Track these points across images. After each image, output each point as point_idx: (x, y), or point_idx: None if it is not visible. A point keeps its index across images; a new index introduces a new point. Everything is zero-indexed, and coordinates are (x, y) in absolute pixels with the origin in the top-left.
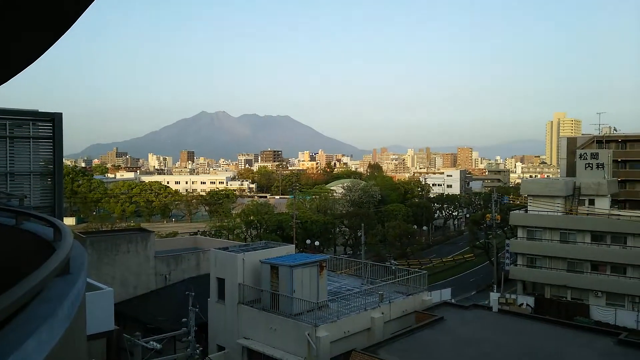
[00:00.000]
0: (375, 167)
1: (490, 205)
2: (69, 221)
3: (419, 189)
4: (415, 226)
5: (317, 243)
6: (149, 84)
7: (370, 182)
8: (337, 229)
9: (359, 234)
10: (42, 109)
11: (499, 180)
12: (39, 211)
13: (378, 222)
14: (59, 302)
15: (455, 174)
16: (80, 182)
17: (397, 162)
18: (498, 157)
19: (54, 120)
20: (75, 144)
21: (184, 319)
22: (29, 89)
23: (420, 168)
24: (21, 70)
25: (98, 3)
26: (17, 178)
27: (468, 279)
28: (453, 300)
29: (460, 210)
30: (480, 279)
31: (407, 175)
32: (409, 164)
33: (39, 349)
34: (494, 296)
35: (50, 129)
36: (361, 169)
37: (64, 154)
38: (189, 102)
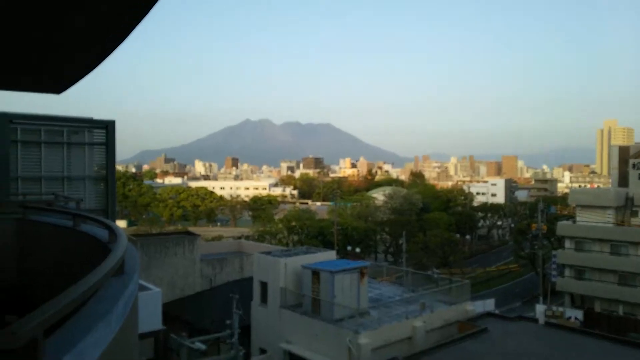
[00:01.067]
0: (417, 175)
1: (536, 215)
2: (120, 224)
3: (462, 198)
4: (458, 235)
5: (357, 250)
6: (196, 92)
7: (411, 190)
8: (378, 236)
9: (400, 241)
10: (95, 116)
11: (545, 189)
12: (94, 214)
13: (419, 230)
14: (114, 301)
15: (500, 182)
16: (131, 186)
17: (439, 170)
18: (545, 166)
19: (107, 127)
20: (126, 150)
21: (228, 321)
22: (80, 96)
23: (464, 176)
24: (78, 81)
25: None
26: (74, 182)
27: (512, 289)
28: (497, 311)
29: (504, 220)
30: (525, 290)
31: (449, 183)
32: (451, 172)
33: (96, 345)
34: (540, 308)
35: (103, 136)
36: (403, 177)
37: (116, 159)
38: (234, 110)
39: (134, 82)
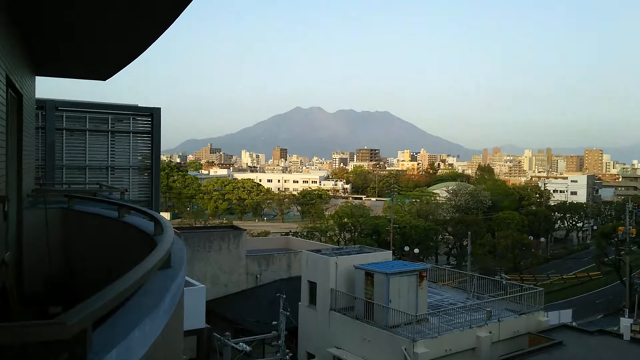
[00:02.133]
0: (485, 170)
1: (623, 216)
2: (164, 216)
3: (537, 195)
4: (531, 237)
5: (416, 251)
6: (243, 79)
7: (479, 186)
8: (440, 237)
9: (465, 242)
10: (140, 103)
11: (635, 188)
12: (138, 205)
13: (487, 231)
14: (161, 295)
15: (582, 179)
16: (175, 177)
17: (511, 165)
18: (635, 162)
19: (153, 115)
20: (171, 139)
21: (274, 322)
22: (126, 83)
23: (539, 172)
24: (123, 67)
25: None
26: (117, 172)
27: (593, 300)
28: (574, 324)
29: (586, 221)
30: (608, 301)
31: (522, 179)
32: (525, 167)
33: (143, 340)
34: (625, 322)
35: (149, 124)
36: (469, 171)
37: (161, 149)
38: (283, 98)
39: (181, 69)
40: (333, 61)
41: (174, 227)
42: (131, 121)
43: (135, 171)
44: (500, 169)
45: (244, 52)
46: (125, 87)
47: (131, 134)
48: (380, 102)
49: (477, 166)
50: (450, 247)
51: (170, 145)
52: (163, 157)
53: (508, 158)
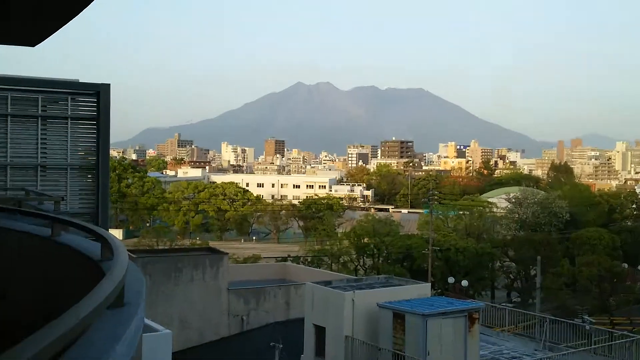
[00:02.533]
0: (561, 169)
1: None
2: (115, 233)
3: (634, 206)
4: (625, 264)
5: (465, 283)
6: (224, 45)
7: (552, 192)
8: (498, 264)
9: (533, 272)
10: (82, 79)
11: None
12: (79, 219)
13: (564, 256)
14: (110, 346)
15: None
16: (129, 180)
17: (597, 163)
18: None
19: (99, 94)
20: (125, 127)
21: None
22: (68, 60)
23: (637, 172)
24: (56, 30)
25: None
26: (50, 173)
27: None
28: None
29: None
30: None
31: (613, 183)
32: (617, 166)
33: None
34: None
35: (94, 107)
36: (538, 172)
37: (111, 140)
38: (278, 70)
39: (139, 32)
40: (346, 22)
41: (128, 250)
42: (69, 103)
43: (75, 172)
44: (582, 168)
45: (225, 9)
46: (61, 57)
47: (69, 121)
48: (411, 76)
49: (549, 165)
50: (512, 277)
51: (123, 136)
52: (114, 153)
53: (593, 153)
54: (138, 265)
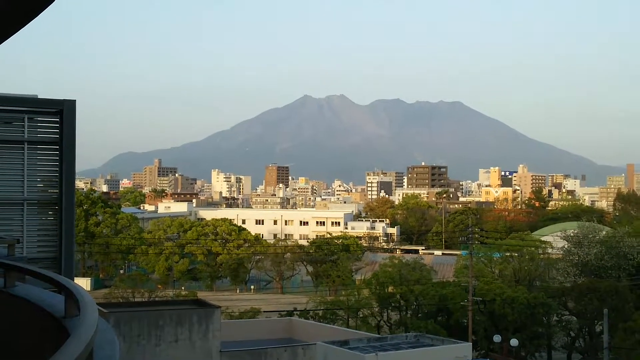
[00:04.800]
0: (630, 200)
1: None
2: (82, 283)
3: None
4: None
5: (514, 342)
6: (213, 53)
7: (620, 228)
8: (555, 317)
9: (598, 327)
10: (43, 95)
11: None
12: (38, 265)
13: (636, 307)
14: None
15: None
16: (99, 217)
17: None
18: None
19: (63, 113)
20: (94, 153)
21: None
22: (25, 72)
23: None
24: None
25: None
26: (3, 210)
27: None
28: None
29: None
30: None
31: None
32: None
33: None
34: None
35: (56, 128)
36: (602, 203)
37: (77, 169)
38: (281, 81)
39: (113, 44)
40: (364, 24)
41: (98, 304)
42: (26, 123)
43: (33, 208)
44: None
45: (209, 17)
46: (17, 69)
47: (26, 145)
48: (444, 88)
49: (615, 194)
50: (573, 335)
51: (92, 164)
52: (80, 184)
53: None
54: (110, 323)
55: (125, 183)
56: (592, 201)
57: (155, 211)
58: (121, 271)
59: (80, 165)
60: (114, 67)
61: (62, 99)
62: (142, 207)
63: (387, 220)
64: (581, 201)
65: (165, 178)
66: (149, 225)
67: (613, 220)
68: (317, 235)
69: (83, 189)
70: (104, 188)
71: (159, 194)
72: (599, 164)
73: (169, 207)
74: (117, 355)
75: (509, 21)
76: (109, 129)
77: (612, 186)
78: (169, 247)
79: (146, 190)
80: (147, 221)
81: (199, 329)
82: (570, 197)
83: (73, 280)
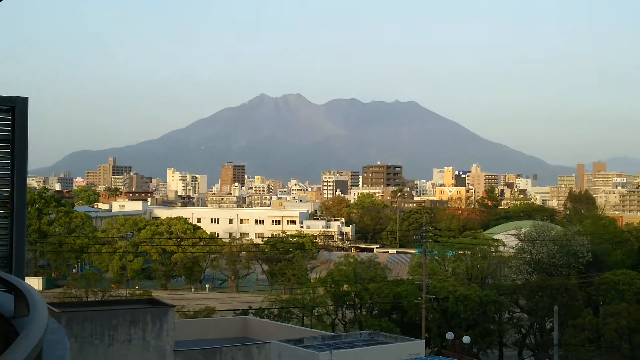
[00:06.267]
0: (581, 199)
1: None
2: (34, 283)
3: None
4: None
5: (467, 339)
6: (168, 52)
7: (571, 227)
8: (507, 314)
9: (549, 324)
10: None
11: None
12: None
13: (586, 305)
14: None
15: None
16: (52, 216)
17: (625, 191)
18: None
19: (15, 110)
20: (48, 151)
21: None
22: None
23: None
24: None
25: None
26: None
27: None
28: None
29: None
30: None
31: None
32: None
33: None
34: None
35: (7, 126)
36: (553, 202)
37: (30, 167)
38: (237, 80)
39: (68, 41)
40: (320, 24)
41: (49, 303)
42: None
43: None
44: (607, 197)
45: (165, 14)
46: None
47: None
48: (400, 89)
49: (566, 193)
50: (524, 332)
51: (45, 162)
52: (33, 182)
53: (619, 180)
54: (62, 323)
55: (79, 182)
56: (543, 200)
57: (110, 210)
58: (74, 270)
59: (33, 163)
60: (69, 65)
61: (14, 96)
62: (96, 206)
63: (343, 219)
64: (533, 200)
65: (119, 177)
66: (102, 224)
67: (564, 219)
68: (272, 234)
69: (35, 187)
70: (57, 187)
71: (114, 193)
72: (551, 164)
73: (124, 206)
74: (68, 355)
75: (463, 23)
76: (63, 127)
77: (563, 186)
78: (122, 246)
79: (100, 189)
80: (101, 220)
81: (152, 329)
82: (522, 196)
83: (24, 280)
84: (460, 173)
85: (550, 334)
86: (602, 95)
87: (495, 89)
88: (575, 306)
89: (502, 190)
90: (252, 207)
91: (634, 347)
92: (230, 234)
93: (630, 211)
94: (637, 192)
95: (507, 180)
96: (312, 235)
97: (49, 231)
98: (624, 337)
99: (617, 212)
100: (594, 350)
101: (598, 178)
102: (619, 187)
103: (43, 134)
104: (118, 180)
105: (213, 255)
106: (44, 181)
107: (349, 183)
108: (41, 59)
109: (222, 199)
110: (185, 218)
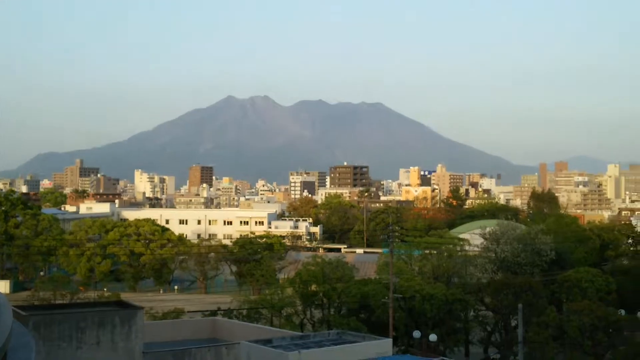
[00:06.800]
0: (544, 198)
1: None
2: (1, 286)
3: (630, 241)
4: (622, 311)
5: (433, 337)
6: (139, 57)
7: (534, 225)
8: (472, 313)
9: (514, 322)
10: None
11: None
12: None
13: (550, 302)
14: None
15: None
16: (19, 219)
17: (586, 190)
18: None
19: None
20: (14, 152)
21: None
22: None
23: (634, 200)
24: None
25: None
26: None
27: None
28: None
29: None
30: None
31: (606, 214)
32: (609, 193)
33: None
34: None
35: None
36: (517, 201)
37: None
38: (204, 81)
39: (29, 47)
40: (286, 25)
41: (16, 306)
42: None
43: None
44: (569, 196)
45: (133, 15)
46: None
47: None
48: (367, 90)
49: (529, 192)
50: (489, 330)
51: (11, 164)
52: None
53: (581, 179)
54: (28, 326)
55: (45, 184)
56: (507, 199)
57: (77, 212)
58: (42, 273)
59: (2, 165)
60: (35, 65)
61: None
62: (63, 208)
63: (310, 219)
64: (496, 199)
65: (87, 178)
66: (70, 226)
67: (527, 218)
68: (240, 235)
69: (1, 189)
70: (24, 189)
71: (81, 195)
72: (514, 163)
73: (91, 208)
74: (32, 358)
75: (427, 24)
76: (29, 129)
77: (526, 185)
78: (90, 248)
79: (67, 190)
80: (68, 222)
81: (121, 331)
82: (486, 195)
83: None
84: (426, 173)
85: (515, 331)
86: (564, 96)
87: (458, 89)
88: (539, 304)
89: (466, 190)
90: (220, 208)
91: (596, 344)
92: (199, 235)
93: (591, 210)
94: (598, 191)
95: (471, 180)
96: (280, 236)
97: (16, 234)
98: (587, 334)
99: (579, 211)
100: (558, 347)
101: (560, 177)
102: (580, 186)
103: (9, 135)
104: (85, 182)
105: (182, 257)
106: (10, 183)
107: (316, 184)
108: (5, 61)
109: (190, 200)
110: (154, 219)
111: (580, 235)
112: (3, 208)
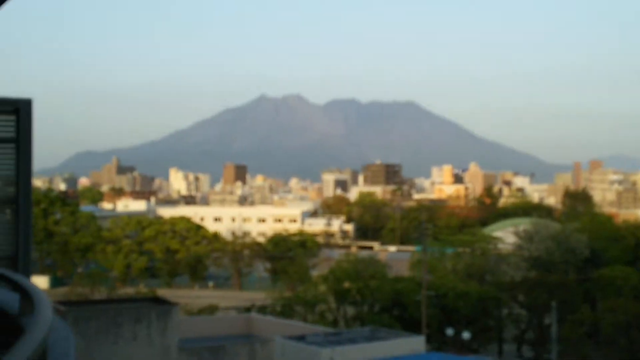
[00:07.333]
0: (578, 197)
1: None
2: (40, 282)
3: None
4: None
5: (466, 335)
6: (168, 54)
7: (569, 224)
8: (506, 310)
9: (547, 320)
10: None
11: None
12: None
13: (584, 300)
14: None
15: None
16: (58, 216)
17: (621, 188)
18: None
19: (19, 112)
20: (52, 151)
21: None
22: None
23: None
24: None
25: None
26: None
27: None
28: None
29: None
30: None
31: None
32: None
33: None
34: None
35: (12, 127)
36: (551, 200)
37: (35, 168)
38: (238, 81)
39: (69, 43)
40: (319, 25)
41: (55, 302)
42: None
43: None
44: (604, 195)
45: (168, 15)
46: None
47: None
48: (398, 89)
49: (563, 191)
50: (523, 327)
51: (50, 162)
52: (38, 182)
53: (616, 177)
54: (67, 321)
55: (83, 182)
56: (541, 198)
57: (114, 210)
58: (79, 269)
59: (38, 163)
60: (73, 65)
61: (18, 97)
62: (100, 206)
63: (343, 217)
64: (530, 198)
65: (123, 176)
66: (107, 223)
67: (561, 217)
68: (274, 233)
69: (41, 187)
70: (62, 187)
71: (118, 193)
72: (548, 162)
73: (128, 206)
74: (72, 352)
75: (459, 23)
76: (67, 128)
77: (560, 183)
78: (127, 245)
79: (104, 188)
80: (105, 219)
81: (157, 326)
82: (519, 194)
83: (29, 279)
84: (459, 171)
85: (549, 330)
86: (599, 93)
87: (491, 88)
88: (573, 302)
89: (500, 189)
90: (254, 205)
91: (631, 342)
92: (233, 233)
93: (626, 208)
94: (634, 189)
95: (504, 178)
96: (314, 234)
97: (55, 231)
98: (622, 331)
99: (613, 209)
100: (592, 344)
101: (595, 176)
102: (615, 185)
103: (49, 134)
104: (122, 180)
105: (216, 254)
106: (49, 181)
107: (349, 182)
108: (46, 60)
109: (224, 198)
110: (189, 217)
111: (615, 233)
112: (42, 206)
